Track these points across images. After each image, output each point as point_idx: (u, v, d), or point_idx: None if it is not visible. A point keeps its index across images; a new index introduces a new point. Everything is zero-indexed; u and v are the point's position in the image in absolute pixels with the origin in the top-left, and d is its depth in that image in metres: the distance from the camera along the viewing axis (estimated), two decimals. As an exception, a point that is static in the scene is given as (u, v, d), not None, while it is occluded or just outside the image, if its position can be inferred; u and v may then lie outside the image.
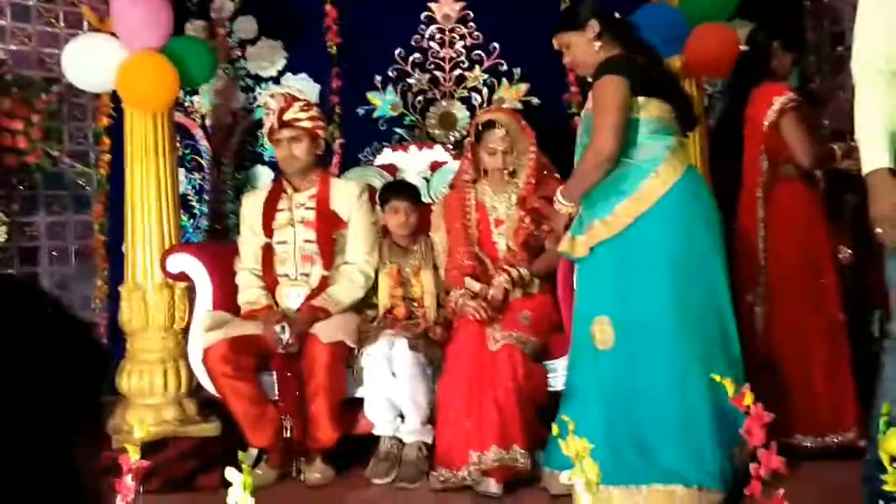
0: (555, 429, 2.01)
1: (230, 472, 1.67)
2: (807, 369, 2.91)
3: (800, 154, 2.94)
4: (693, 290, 2.53)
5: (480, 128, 3.11)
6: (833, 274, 3.01)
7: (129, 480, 1.92)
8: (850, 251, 3.08)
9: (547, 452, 2.69)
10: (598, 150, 2.50)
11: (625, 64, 2.53)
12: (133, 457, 1.92)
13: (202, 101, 4.17)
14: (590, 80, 3.76)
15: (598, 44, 2.60)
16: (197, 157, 4.19)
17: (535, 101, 3.96)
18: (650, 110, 2.55)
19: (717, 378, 2.03)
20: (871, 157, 1.84)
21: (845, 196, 3.43)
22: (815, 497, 2.46)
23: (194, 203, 4.20)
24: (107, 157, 4.13)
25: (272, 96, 3.25)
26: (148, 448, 3.03)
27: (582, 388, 2.61)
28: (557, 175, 3.17)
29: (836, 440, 2.88)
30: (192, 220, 4.19)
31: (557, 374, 2.95)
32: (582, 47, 2.62)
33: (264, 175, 4.11)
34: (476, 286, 3.01)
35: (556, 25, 2.70)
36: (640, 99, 2.52)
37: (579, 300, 2.71)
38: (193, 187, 4.19)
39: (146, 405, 3.35)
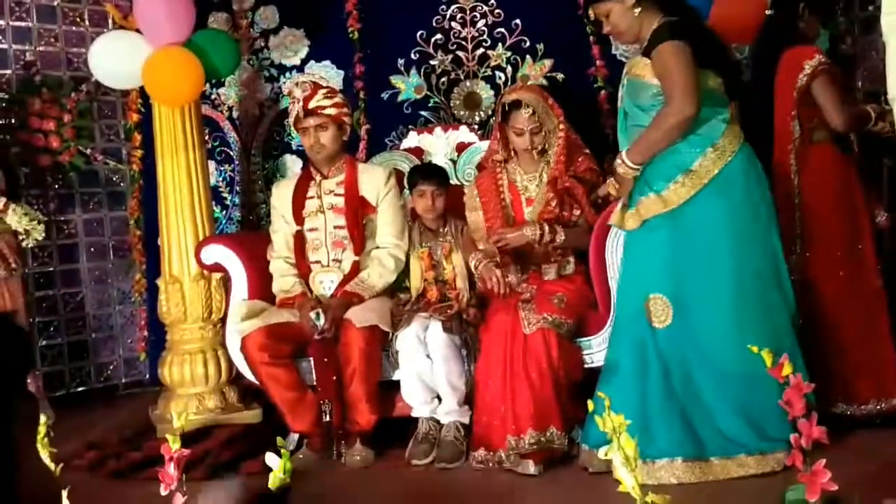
0: (591, 405, 2.02)
1: (270, 457, 1.71)
2: (846, 337, 2.87)
3: (834, 117, 2.89)
4: (754, 261, 2.54)
5: (506, 108, 3.08)
6: (870, 239, 2.95)
7: (171, 469, 1.96)
8: (886, 214, 3.02)
9: (585, 430, 2.69)
10: (677, 111, 2.45)
11: (682, 30, 2.50)
12: (174, 446, 1.96)
13: (228, 94, 4.20)
14: (620, 50, 3.78)
15: (637, 10, 2.55)
16: (226, 149, 4.23)
17: (559, 76, 3.92)
18: (707, 82, 2.52)
19: (755, 349, 2.03)
20: None
21: (882, 159, 3.36)
22: (858, 466, 2.43)
23: (226, 195, 4.24)
24: (139, 152, 4.19)
25: (297, 84, 3.24)
26: (192, 437, 3.12)
27: (632, 365, 2.58)
28: (587, 150, 3.14)
29: (878, 408, 2.83)
30: (224, 212, 4.24)
31: (593, 350, 2.94)
32: (622, 15, 2.57)
33: (293, 164, 4.14)
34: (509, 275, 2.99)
35: None
36: (699, 70, 2.49)
37: (628, 276, 2.69)
38: (224, 179, 4.24)
39: (189, 395, 3.41)
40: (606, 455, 1.91)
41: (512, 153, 3.17)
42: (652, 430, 2.51)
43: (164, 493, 2.05)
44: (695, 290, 2.52)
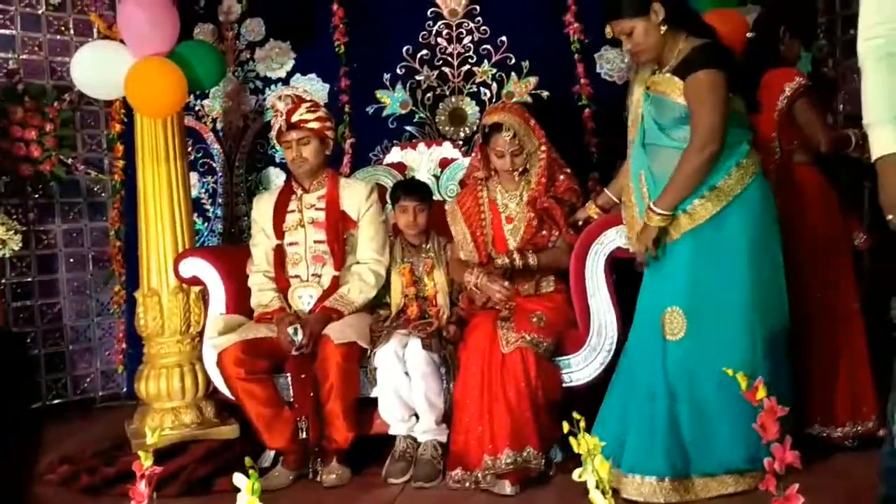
0: (565, 427, 2.00)
1: (238, 477, 1.68)
2: (824, 358, 2.87)
3: (815, 138, 2.90)
4: (766, 278, 2.57)
5: (487, 130, 3.08)
6: (849, 261, 2.96)
7: (142, 486, 1.92)
8: (865, 236, 3.02)
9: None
10: (701, 146, 2.47)
11: (720, 56, 2.51)
12: (145, 462, 1.93)
13: (213, 105, 4.19)
14: (605, 69, 3.79)
15: (664, 28, 2.54)
16: (209, 161, 4.21)
17: (544, 94, 3.93)
18: (734, 105, 2.54)
19: (730, 372, 2.02)
20: (878, 143, 1.78)
21: (863, 181, 3.38)
22: (834, 489, 2.43)
23: (208, 207, 4.22)
24: (120, 163, 4.17)
25: (280, 98, 3.23)
26: (168, 452, 3.08)
27: (642, 379, 2.59)
28: (568, 170, 3.13)
29: (855, 430, 2.83)
30: (206, 224, 4.21)
31: (572, 369, 2.94)
32: (648, 33, 2.54)
33: (277, 177, 4.12)
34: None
35: (615, 12, 2.57)
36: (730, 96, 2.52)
37: (648, 290, 2.68)
38: (207, 191, 4.22)
39: (165, 409, 3.37)
40: (580, 477, 1.89)
41: (493, 172, 3.16)
42: (654, 444, 2.53)
43: (133, 510, 2.01)
44: (711, 304, 2.54)
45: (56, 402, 4.04)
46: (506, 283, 2.95)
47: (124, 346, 4.17)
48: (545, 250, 3.04)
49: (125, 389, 4.17)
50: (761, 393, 1.91)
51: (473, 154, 3.27)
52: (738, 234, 2.53)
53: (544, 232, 3.04)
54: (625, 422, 2.59)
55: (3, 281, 3.87)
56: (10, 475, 0.83)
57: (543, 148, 3.05)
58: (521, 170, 3.07)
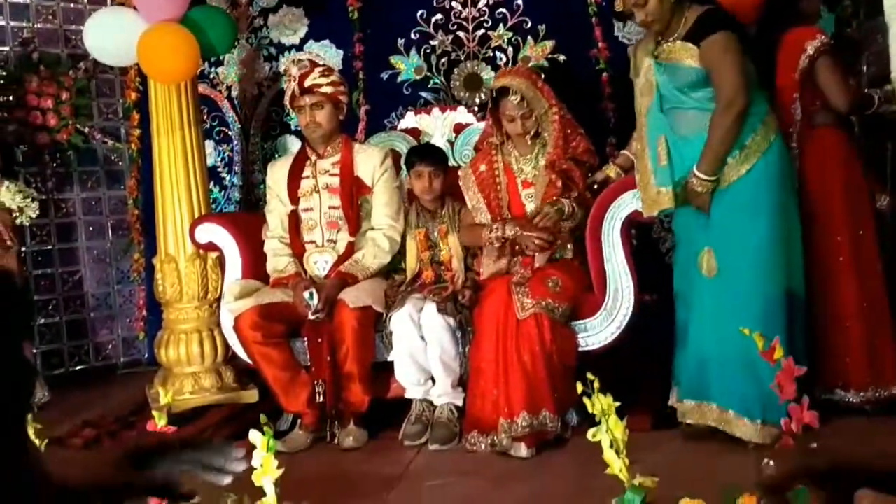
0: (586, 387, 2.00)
1: (253, 435, 1.70)
2: (846, 324, 2.83)
3: (836, 98, 2.85)
4: (782, 240, 2.64)
5: (495, 94, 3.05)
6: (872, 224, 2.91)
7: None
8: (888, 198, 2.97)
9: (675, 382, 2.78)
10: (729, 103, 2.54)
11: (729, 20, 2.60)
12: (159, 423, 1.95)
13: (227, 73, 4.17)
14: (623, 32, 3.74)
15: None
16: (225, 129, 4.21)
17: (561, 58, 3.87)
18: (749, 68, 2.60)
19: (747, 331, 2.01)
20: None
21: (886, 142, 3.31)
22: (849, 454, 2.40)
23: (224, 175, 4.22)
24: (137, 131, 4.18)
25: (293, 62, 3.22)
26: (188, 416, 3.12)
27: (688, 315, 2.73)
28: (581, 130, 3.09)
29: (876, 395, 2.80)
30: (223, 193, 4.22)
31: (588, 333, 2.93)
32: (662, 2, 2.60)
33: (292, 144, 4.11)
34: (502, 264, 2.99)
35: None
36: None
37: (685, 237, 2.78)
38: (223, 159, 4.22)
39: (185, 374, 3.40)
40: (594, 437, 1.90)
41: (506, 137, 3.13)
42: (685, 369, 2.71)
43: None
44: (735, 255, 2.60)
45: (78, 368, 4.09)
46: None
47: (145, 313, 4.21)
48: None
49: (146, 356, 4.22)
50: (779, 353, 1.90)
51: (486, 120, 3.24)
52: (762, 192, 2.59)
53: (566, 193, 3.01)
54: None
55: (24, 249, 3.91)
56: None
57: (554, 109, 3.02)
58: (532, 132, 3.04)
